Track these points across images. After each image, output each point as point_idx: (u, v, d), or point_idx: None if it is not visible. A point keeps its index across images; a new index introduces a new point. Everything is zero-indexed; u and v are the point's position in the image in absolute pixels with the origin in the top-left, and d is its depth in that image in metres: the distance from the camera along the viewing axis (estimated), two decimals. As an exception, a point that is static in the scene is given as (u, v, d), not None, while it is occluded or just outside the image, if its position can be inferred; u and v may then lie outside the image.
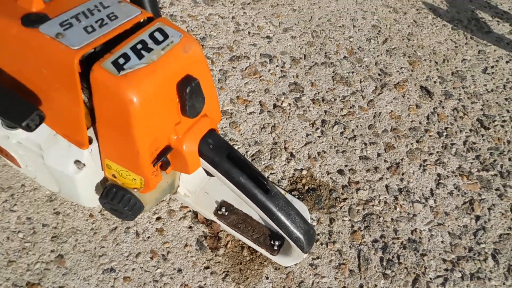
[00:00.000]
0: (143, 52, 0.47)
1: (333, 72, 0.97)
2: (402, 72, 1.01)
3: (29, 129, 0.46)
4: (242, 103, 0.86)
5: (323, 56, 1.01)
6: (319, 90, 0.92)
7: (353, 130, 0.86)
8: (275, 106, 0.87)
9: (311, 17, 1.11)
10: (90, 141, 0.53)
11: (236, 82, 0.90)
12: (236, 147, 0.78)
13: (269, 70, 0.94)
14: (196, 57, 0.51)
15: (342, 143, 0.83)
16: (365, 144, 0.84)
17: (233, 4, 1.10)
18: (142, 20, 0.52)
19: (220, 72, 0.92)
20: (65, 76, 0.46)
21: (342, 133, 0.85)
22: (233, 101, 0.86)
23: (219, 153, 0.55)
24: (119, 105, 0.45)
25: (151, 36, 0.49)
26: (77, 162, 0.53)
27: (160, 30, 0.50)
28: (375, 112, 0.90)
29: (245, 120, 0.83)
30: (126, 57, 0.46)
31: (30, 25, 0.47)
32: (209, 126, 0.56)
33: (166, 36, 0.49)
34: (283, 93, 0.90)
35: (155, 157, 0.52)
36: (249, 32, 1.03)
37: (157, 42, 0.49)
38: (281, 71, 0.95)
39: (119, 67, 0.45)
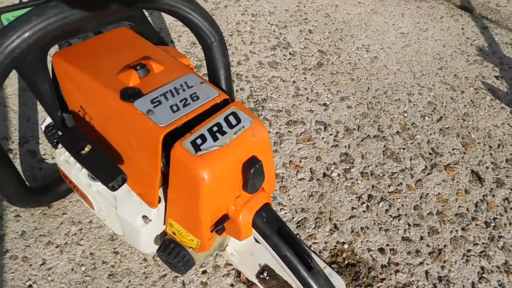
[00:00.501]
0: (218, 134, 0.54)
1: (384, 146, 1.00)
2: (454, 154, 1.02)
3: (112, 188, 0.53)
4: (293, 168, 0.91)
5: (376, 129, 1.04)
6: (369, 163, 0.95)
7: (398, 209, 0.88)
8: (324, 175, 0.91)
9: (368, 88, 1.16)
10: (159, 201, 0.60)
11: (290, 146, 0.96)
12: (283, 212, 0.83)
13: (322, 138, 0.99)
14: (262, 141, 0.57)
15: (386, 221, 0.85)
16: (409, 225, 0.85)
17: (295, 69, 1.17)
18: (219, 102, 0.59)
19: (277, 135, 0.98)
20: (149, 147, 0.54)
21: (387, 210, 0.87)
22: (285, 165, 0.92)
23: (271, 227, 0.60)
24: (192, 180, 0.51)
25: (226, 119, 0.56)
26: (144, 217, 0.60)
27: (234, 114, 0.57)
28: (422, 193, 0.92)
29: (295, 186, 0.88)
30: (203, 138, 0.53)
31: (127, 99, 0.55)
32: (264, 201, 0.61)
33: (239, 121, 0.56)
34: (334, 163, 0.94)
35: (213, 223, 0.57)
36: (307, 98, 1.09)
37: (231, 126, 0.55)
38: (334, 140, 0.99)
39: (196, 148, 0.51)
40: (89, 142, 0.56)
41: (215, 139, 0.53)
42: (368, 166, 0.95)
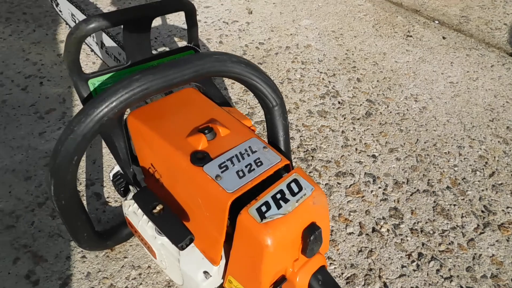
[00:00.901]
0: (281, 202, 0.57)
1: (434, 202, 1.00)
2: (509, 213, 0.99)
3: (181, 248, 0.57)
4: (343, 222, 0.93)
5: (426, 183, 1.04)
6: (418, 219, 0.95)
7: (449, 270, 0.86)
8: (374, 230, 0.92)
9: (417, 139, 1.16)
10: (220, 258, 0.63)
11: (340, 199, 0.98)
12: (332, 267, 0.84)
13: (371, 191, 1.00)
14: (322, 208, 0.60)
15: (437, 282, 0.84)
16: (461, 287, 0.83)
17: (344, 118, 1.20)
18: (281, 167, 0.62)
19: (326, 187, 1.00)
20: (217, 211, 0.58)
21: (438, 270, 0.86)
22: (334, 218, 0.93)
23: (326, 290, 0.61)
24: (257, 245, 0.54)
25: (288, 186, 0.59)
26: (205, 272, 0.64)
27: (296, 181, 0.60)
28: (475, 254, 0.90)
29: (344, 240, 0.89)
30: (268, 206, 0.56)
31: (197, 163, 0.60)
32: (320, 263, 0.63)
33: (300, 188, 0.59)
34: (383, 217, 0.95)
35: (271, 284, 0.60)
36: (356, 149, 1.11)
37: (293, 194, 0.58)
38: (383, 193, 1.00)
39: (261, 215, 0.55)
40: (160, 202, 0.61)
41: (278, 206, 0.56)
42: (417, 222, 0.95)
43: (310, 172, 1.03)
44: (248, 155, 0.63)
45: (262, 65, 1.36)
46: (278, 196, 0.58)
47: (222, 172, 0.59)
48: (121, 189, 0.78)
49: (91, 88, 0.71)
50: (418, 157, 1.11)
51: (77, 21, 1.25)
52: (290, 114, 1.19)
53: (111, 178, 0.79)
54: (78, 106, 1.16)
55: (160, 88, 0.60)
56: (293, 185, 0.60)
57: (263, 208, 0.56)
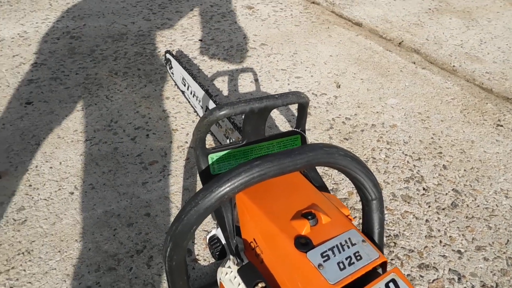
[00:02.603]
0: (380, 303, 0.59)
1: (526, 313, 0.94)
2: None
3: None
4: (424, 319, 0.91)
5: (517, 290, 0.99)
6: (508, 330, 0.90)
7: None
8: (458, 334, 0.88)
9: (508, 240, 1.11)
10: None
11: (422, 293, 0.96)
12: None
13: (456, 290, 0.97)
14: (419, 314, 0.61)
15: None
16: None
17: (429, 206, 1.19)
18: (378, 264, 0.65)
19: (408, 278, 0.99)
20: (317, 299, 0.61)
21: None
22: (416, 314, 0.92)
23: None
24: None
25: (387, 286, 0.61)
26: None
27: (394, 281, 0.62)
28: None
29: None
30: (367, 305, 0.58)
31: (301, 248, 0.64)
32: None
33: (399, 290, 0.61)
34: (468, 322, 0.91)
35: None
36: (440, 241, 1.09)
37: (392, 295, 0.60)
38: (468, 294, 0.97)
39: (360, 314, 0.57)
40: (263, 280, 0.65)
41: (377, 308, 0.58)
42: (507, 334, 0.89)
43: (392, 260, 1.03)
44: (348, 247, 0.66)
45: (348, 141, 1.41)
46: (377, 296, 0.60)
47: (324, 261, 0.63)
48: (216, 253, 0.85)
49: (210, 162, 0.80)
50: (508, 261, 1.06)
51: (186, 85, 1.41)
52: (373, 195, 1.21)
53: (208, 241, 0.86)
54: (177, 161, 1.29)
55: (275, 174, 0.67)
56: (391, 285, 0.62)
57: (362, 307, 0.58)
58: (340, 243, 0.67)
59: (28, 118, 1.45)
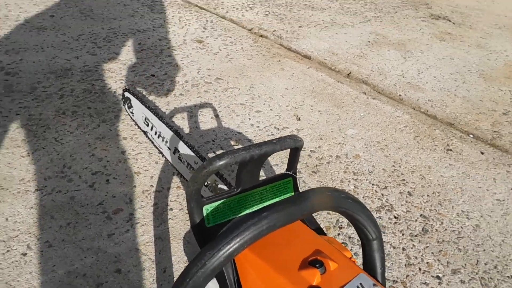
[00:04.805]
0: None
1: (509, 334, 0.97)
2: None
3: None
4: None
5: (496, 311, 1.03)
6: None
7: None
8: None
9: (477, 260, 1.17)
10: None
11: (414, 326, 0.96)
12: None
13: (444, 319, 0.99)
14: None
15: None
16: None
17: (402, 234, 1.22)
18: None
19: (398, 312, 0.99)
20: None
21: None
22: None
23: None
24: None
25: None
26: None
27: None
28: None
29: None
30: None
31: (313, 301, 0.61)
32: None
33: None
34: None
35: None
36: (419, 268, 1.11)
37: None
38: (455, 321, 0.98)
39: None
40: None
41: None
42: None
43: (379, 293, 1.02)
44: (360, 295, 0.64)
45: (317, 174, 1.41)
46: None
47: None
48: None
49: (204, 213, 0.74)
50: (482, 281, 1.11)
51: (150, 125, 1.33)
52: (350, 228, 1.21)
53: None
54: (144, 207, 1.19)
55: (284, 224, 0.63)
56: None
57: None
58: (351, 291, 0.64)
59: (-38, 168, 1.27)
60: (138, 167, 1.35)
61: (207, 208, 0.75)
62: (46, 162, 1.32)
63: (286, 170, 0.85)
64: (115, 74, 1.89)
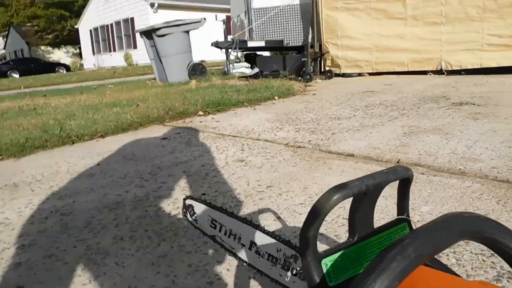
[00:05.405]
0: None
1: None
2: None
3: None
4: None
5: None
6: None
7: None
8: None
9: None
10: None
11: None
12: None
13: None
14: None
15: None
16: None
17: (544, 300, 0.99)
18: None
19: None
20: None
21: None
22: None
23: None
24: None
25: None
26: None
27: None
28: None
29: None
30: None
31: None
32: None
33: None
34: None
35: None
36: None
37: None
38: None
39: None
40: None
41: None
42: None
43: None
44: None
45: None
46: None
47: None
48: None
49: (324, 270, 0.61)
50: None
51: (217, 227, 1.24)
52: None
53: None
54: (226, 316, 1.02)
55: (434, 253, 0.51)
56: None
57: None
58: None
59: (21, 307, 1.15)
60: (209, 277, 1.20)
61: (326, 263, 0.62)
62: (109, 286, 1.20)
63: (397, 214, 0.74)
64: (167, 199, 1.87)
